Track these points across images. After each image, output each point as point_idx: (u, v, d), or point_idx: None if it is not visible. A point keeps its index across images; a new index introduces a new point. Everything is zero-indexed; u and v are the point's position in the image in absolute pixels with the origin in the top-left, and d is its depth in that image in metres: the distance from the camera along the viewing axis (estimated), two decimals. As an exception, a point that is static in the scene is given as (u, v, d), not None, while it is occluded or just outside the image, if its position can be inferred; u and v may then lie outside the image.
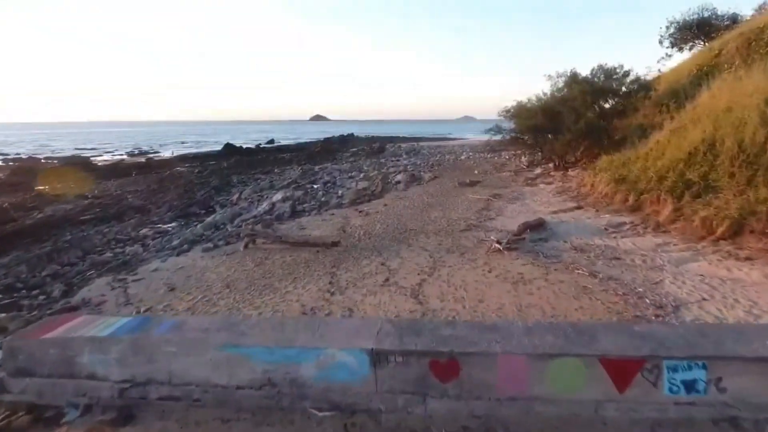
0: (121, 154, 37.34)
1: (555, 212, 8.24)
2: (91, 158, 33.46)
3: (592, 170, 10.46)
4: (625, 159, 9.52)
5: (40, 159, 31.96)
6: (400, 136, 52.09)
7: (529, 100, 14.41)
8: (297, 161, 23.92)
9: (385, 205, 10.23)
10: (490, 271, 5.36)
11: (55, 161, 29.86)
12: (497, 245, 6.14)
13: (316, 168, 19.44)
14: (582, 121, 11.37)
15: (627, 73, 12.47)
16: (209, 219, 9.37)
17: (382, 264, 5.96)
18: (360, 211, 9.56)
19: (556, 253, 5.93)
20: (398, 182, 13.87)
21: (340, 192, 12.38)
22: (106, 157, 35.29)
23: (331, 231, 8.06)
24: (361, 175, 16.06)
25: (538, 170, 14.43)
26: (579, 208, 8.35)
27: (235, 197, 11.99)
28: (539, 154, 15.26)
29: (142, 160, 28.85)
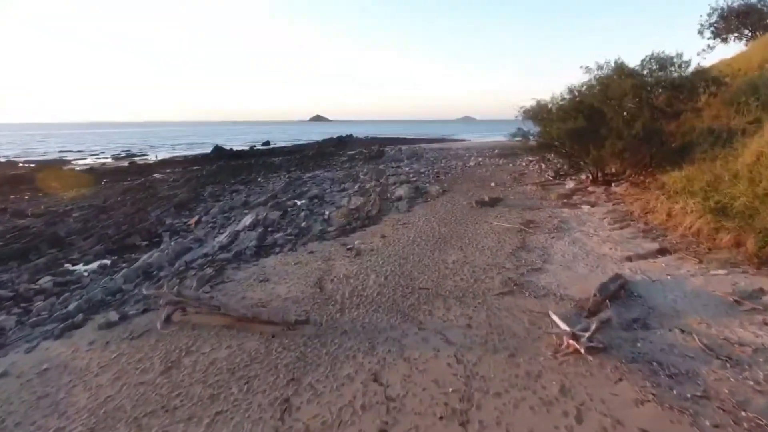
0: (106, 157, 35.14)
1: (629, 259, 5.64)
2: (72, 161, 31.38)
3: (659, 190, 7.87)
4: (713, 177, 6.94)
5: (18, 163, 29.80)
6: (401, 137, 49.40)
7: (552, 98, 11.74)
8: (286, 167, 21.30)
9: (383, 236, 7.67)
10: (579, 419, 2.79)
11: (32, 165, 27.75)
12: (572, 342, 3.57)
13: (306, 177, 16.85)
14: (639, 123, 8.76)
15: (688, 63, 9.86)
16: (142, 259, 6.82)
17: (374, 379, 3.41)
18: (349, 248, 7.00)
19: (683, 363, 3.34)
20: (399, 198, 11.30)
21: (327, 213, 9.82)
22: (89, 160, 33.16)
23: (304, 286, 5.51)
24: (356, 187, 13.50)
25: (571, 184, 11.84)
26: (664, 251, 5.74)
27: (193, 221, 9.44)
28: (568, 163, 12.63)
29: (125, 164, 26.78)
